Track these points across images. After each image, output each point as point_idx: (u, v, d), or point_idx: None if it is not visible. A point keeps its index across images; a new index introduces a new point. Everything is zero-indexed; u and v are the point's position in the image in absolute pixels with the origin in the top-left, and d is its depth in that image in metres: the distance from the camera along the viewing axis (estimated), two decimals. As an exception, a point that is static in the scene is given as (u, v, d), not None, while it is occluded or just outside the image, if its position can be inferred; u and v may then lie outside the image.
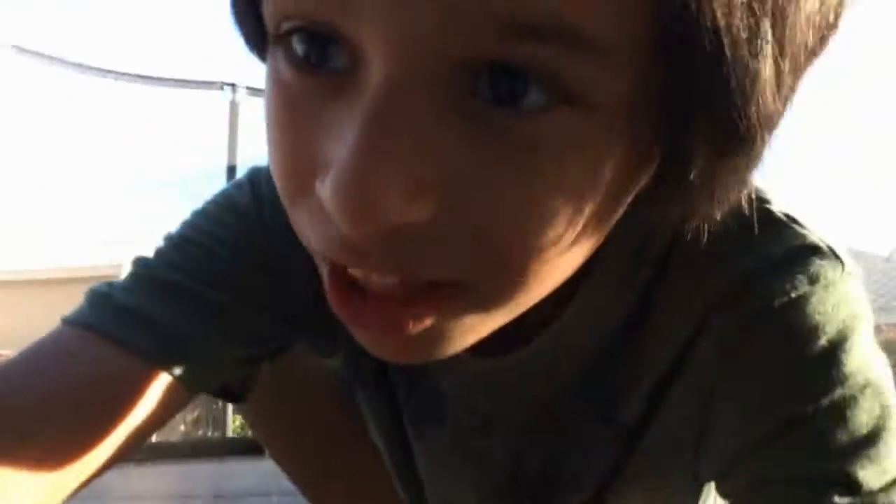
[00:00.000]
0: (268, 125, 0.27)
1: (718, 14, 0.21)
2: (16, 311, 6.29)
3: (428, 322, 0.27)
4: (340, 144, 0.22)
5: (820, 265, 0.35)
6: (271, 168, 0.27)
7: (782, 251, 0.35)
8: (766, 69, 0.23)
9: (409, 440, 0.52)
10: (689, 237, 0.30)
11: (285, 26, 0.24)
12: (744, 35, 0.22)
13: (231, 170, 3.61)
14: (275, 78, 0.26)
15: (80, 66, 3.83)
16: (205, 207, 0.45)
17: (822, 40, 0.25)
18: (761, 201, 0.36)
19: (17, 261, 7.77)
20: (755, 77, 0.23)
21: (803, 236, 0.35)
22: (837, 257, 0.35)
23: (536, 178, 0.24)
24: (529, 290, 0.27)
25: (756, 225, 0.34)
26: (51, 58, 3.77)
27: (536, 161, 0.23)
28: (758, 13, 0.22)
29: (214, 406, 4.42)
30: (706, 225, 0.29)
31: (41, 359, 0.37)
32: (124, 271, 0.43)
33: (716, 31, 0.21)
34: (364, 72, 0.23)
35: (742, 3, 0.21)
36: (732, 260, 0.35)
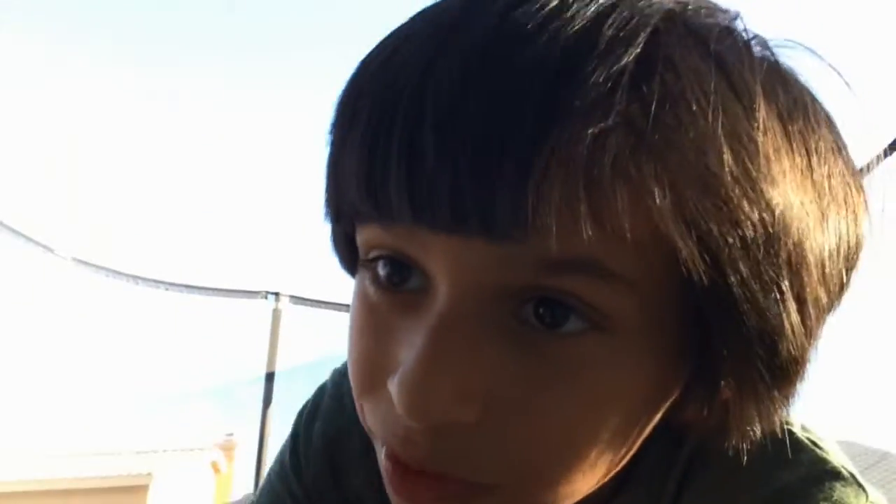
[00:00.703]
0: (350, 330, 0.32)
1: (741, 277, 0.25)
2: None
3: None
4: (410, 350, 0.27)
5: (843, 491, 0.34)
6: (350, 365, 0.32)
7: (804, 474, 0.35)
8: (787, 323, 0.26)
9: None
10: (712, 457, 0.34)
11: (373, 254, 0.30)
12: (761, 293, 0.26)
13: (269, 377, 3.89)
14: (361, 293, 0.31)
15: (134, 277, 4.00)
16: (296, 423, 0.51)
17: (838, 295, 0.30)
18: (785, 422, 0.35)
19: (52, 470, 7.34)
20: (775, 330, 0.26)
21: (825, 461, 0.35)
22: (860, 485, 0.35)
23: (570, 394, 0.27)
24: (557, 498, 0.30)
25: (780, 447, 0.34)
26: (107, 269, 3.89)
27: (571, 379, 0.27)
28: (776, 274, 0.26)
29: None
30: (734, 445, 0.31)
31: None
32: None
33: (734, 293, 0.25)
34: (433, 294, 0.28)
35: (760, 261, 0.25)
36: (758, 481, 0.35)
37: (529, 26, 0.25)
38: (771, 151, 0.26)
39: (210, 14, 11.54)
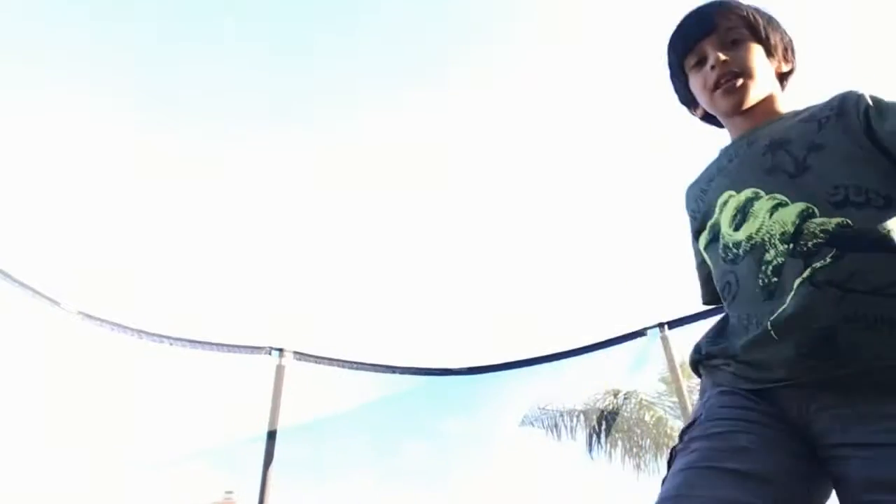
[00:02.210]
0: None
1: (771, 39, 1.24)
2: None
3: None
4: None
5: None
6: None
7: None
8: (779, 52, 1.24)
9: None
10: None
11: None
12: (777, 45, 1.23)
13: (271, 435, 3.80)
14: None
15: (138, 331, 4.00)
16: None
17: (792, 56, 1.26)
18: None
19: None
20: (777, 54, 1.23)
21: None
22: None
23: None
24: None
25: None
26: (112, 323, 3.90)
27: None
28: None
29: None
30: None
31: None
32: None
33: (772, 42, 1.25)
34: None
35: (772, 35, 1.24)
36: None
37: (706, 4, 1.26)
38: (770, 23, 1.24)
39: (214, 77, 11.80)
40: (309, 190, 13.35)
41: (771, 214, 1.01)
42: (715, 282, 1.14)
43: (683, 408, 3.95)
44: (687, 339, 4.05)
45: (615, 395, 5.58)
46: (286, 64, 12.09)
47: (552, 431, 5.53)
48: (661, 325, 4.02)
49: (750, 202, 1.05)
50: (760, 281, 0.98)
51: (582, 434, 5.42)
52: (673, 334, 4.04)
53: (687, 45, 1.23)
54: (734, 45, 1.18)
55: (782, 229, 0.98)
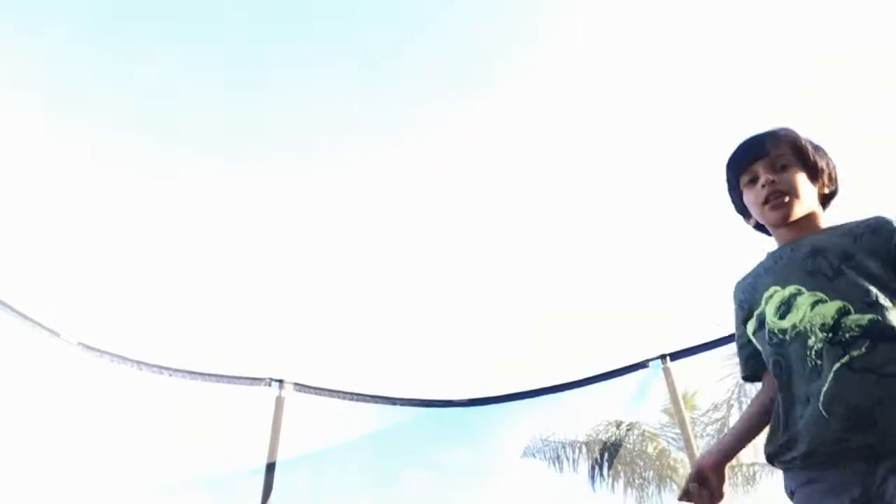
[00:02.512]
0: None
1: (818, 164, 1.48)
2: None
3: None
4: None
5: None
6: None
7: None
8: (825, 177, 1.46)
9: None
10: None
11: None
12: (821, 170, 1.46)
13: (270, 467, 3.74)
14: None
15: (138, 362, 3.99)
16: None
17: (833, 183, 1.48)
18: None
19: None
20: (822, 178, 1.46)
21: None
22: None
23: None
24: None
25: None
26: (111, 354, 3.89)
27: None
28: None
29: None
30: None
31: None
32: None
33: (819, 167, 1.47)
34: None
35: (818, 161, 1.47)
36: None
37: (761, 133, 1.49)
38: (815, 149, 1.47)
39: (219, 103, 11.90)
40: (309, 221, 13.37)
41: (812, 308, 1.23)
42: (765, 360, 1.36)
43: (686, 439, 3.92)
44: (689, 371, 4.04)
45: (617, 427, 5.53)
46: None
47: (554, 463, 5.47)
48: (662, 357, 4.01)
49: (793, 297, 1.28)
50: (808, 362, 1.20)
51: (584, 466, 5.36)
52: (675, 366, 4.03)
53: (741, 165, 1.48)
54: (783, 168, 1.43)
55: (822, 321, 1.21)
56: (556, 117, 12.72)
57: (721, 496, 1.41)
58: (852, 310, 1.18)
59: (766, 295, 1.35)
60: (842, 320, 1.18)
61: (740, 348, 1.50)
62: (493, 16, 11.43)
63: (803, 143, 1.45)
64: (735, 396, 5.29)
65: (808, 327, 1.22)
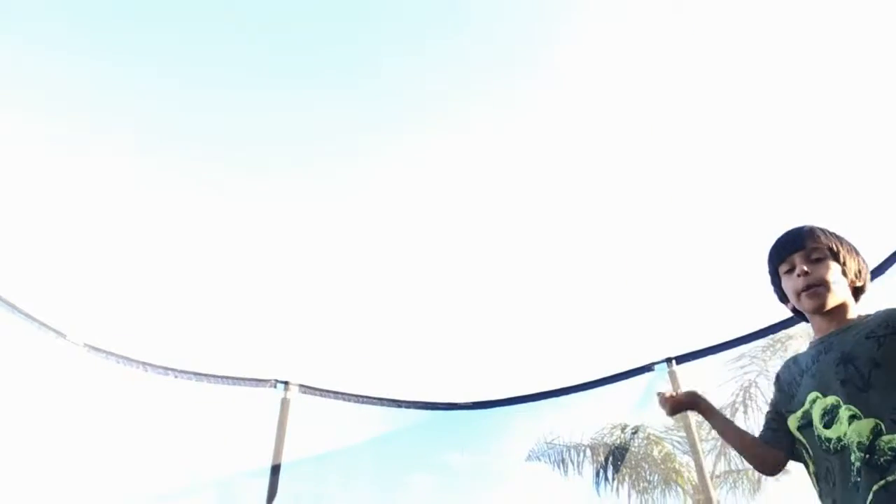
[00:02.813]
0: None
1: (847, 265, 1.63)
2: None
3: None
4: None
5: None
6: None
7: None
8: (852, 275, 1.63)
9: None
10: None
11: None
12: (851, 268, 1.63)
13: (275, 469, 3.79)
14: None
15: (144, 363, 4.00)
16: None
17: (862, 277, 1.66)
18: None
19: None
20: (851, 275, 1.63)
21: None
22: None
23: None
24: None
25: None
26: (118, 356, 3.90)
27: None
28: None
29: None
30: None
31: None
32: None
33: (847, 265, 1.63)
34: None
35: (848, 262, 1.63)
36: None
37: (800, 228, 1.68)
38: (849, 251, 1.65)
39: (227, 112, 11.93)
40: (314, 226, 13.38)
41: (849, 423, 1.41)
42: (814, 461, 1.54)
43: (692, 443, 3.90)
44: (694, 374, 4.02)
45: (622, 430, 5.50)
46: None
47: (559, 466, 5.44)
48: (668, 360, 3.99)
49: (834, 408, 1.46)
50: (851, 477, 1.38)
51: (589, 469, 5.33)
52: (681, 369, 4.01)
53: (781, 256, 1.68)
54: (817, 261, 1.61)
55: (859, 439, 1.38)
56: (564, 119, 12.71)
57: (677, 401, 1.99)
58: (884, 429, 1.35)
59: (809, 398, 1.54)
60: (876, 442, 1.35)
61: (769, 417, 1.75)
62: (495, 18, 11.44)
63: (836, 240, 1.64)
64: (740, 400, 5.26)
65: (849, 444, 1.40)
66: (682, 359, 3.99)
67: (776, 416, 1.70)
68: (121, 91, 10.57)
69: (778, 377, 1.73)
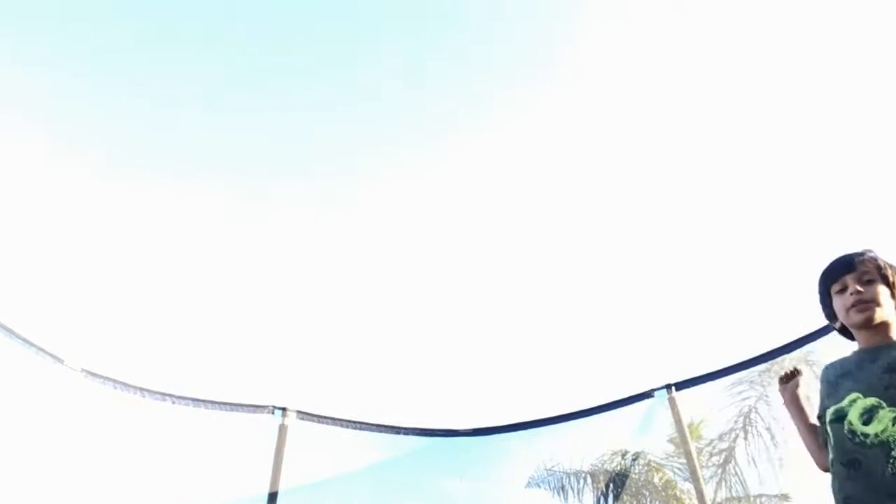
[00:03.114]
0: None
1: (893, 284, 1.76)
2: None
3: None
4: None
5: None
6: None
7: None
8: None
9: None
10: None
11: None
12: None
13: (272, 497, 3.71)
14: None
15: (141, 389, 3.98)
16: None
17: None
18: None
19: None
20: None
21: None
22: None
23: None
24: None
25: None
26: (115, 381, 3.88)
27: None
28: None
29: None
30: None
31: None
32: None
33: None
34: None
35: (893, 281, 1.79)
36: None
37: (854, 252, 1.83)
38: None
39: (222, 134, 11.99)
40: (313, 249, 13.39)
41: (893, 423, 1.54)
42: (838, 452, 1.66)
43: (692, 470, 3.87)
44: (694, 400, 4.01)
45: (623, 457, 5.47)
46: (289, 130, 12.27)
47: (559, 493, 5.41)
48: (668, 387, 3.99)
49: (875, 409, 1.59)
50: (889, 469, 1.51)
51: (589, 496, 5.29)
52: (680, 395, 4.00)
53: (834, 277, 1.84)
54: (868, 282, 1.77)
55: None
56: (559, 140, 12.80)
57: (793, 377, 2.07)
58: None
59: (849, 398, 1.67)
60: None
61: (821, 434, 1.86)
62: (500, 18, 11.57)
63: (886, 264, 1.80)
64: (741, 426, 5.23)
65: (891, 440, 1.54)
66: (681, 385, 3.98)
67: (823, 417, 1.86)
68: (132, 115, 10.66)
69: (825, 376, 1.86)
